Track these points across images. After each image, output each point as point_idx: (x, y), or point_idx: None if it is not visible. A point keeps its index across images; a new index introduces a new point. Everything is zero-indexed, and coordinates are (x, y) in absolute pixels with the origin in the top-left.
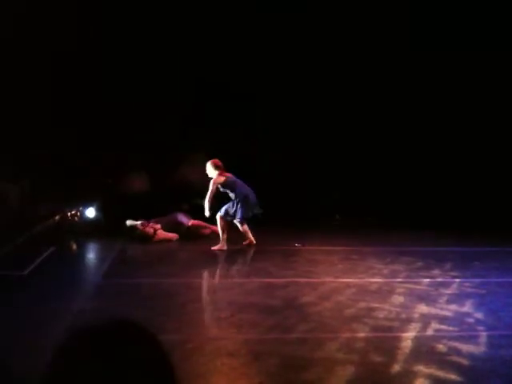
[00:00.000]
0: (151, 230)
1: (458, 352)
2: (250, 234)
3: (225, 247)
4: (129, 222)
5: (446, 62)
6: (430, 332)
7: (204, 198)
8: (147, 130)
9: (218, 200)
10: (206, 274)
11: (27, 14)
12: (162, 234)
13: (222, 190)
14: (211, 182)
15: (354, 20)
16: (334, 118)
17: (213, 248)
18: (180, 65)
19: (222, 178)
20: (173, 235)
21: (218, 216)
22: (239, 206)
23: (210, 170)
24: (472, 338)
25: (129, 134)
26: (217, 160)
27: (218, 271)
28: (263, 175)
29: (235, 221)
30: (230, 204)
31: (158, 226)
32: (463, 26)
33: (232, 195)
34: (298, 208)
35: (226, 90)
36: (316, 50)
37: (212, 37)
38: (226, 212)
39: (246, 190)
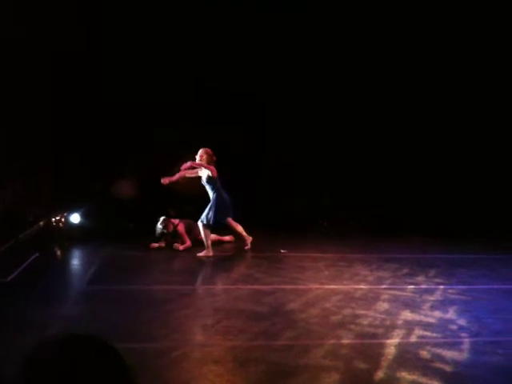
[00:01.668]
0: (171, 227)
1: (442, 358)
2: (210, 242)
3: (211, 253)
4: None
5: (445, 63)
6: (414, 339)
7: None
8: (143, 132)
9: (201, 203)
10: (192, 281)
11: (26, 13)
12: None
13: (204, 181)
14: (205, 164)
15: (354, 20)
16: (325, 121)
17: (198, 254)
18: (180, 65)
19: (216, 174)
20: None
21: (199, 223)
22: (213, 209)
23: (204, 158)
24: (456, 345)
25: (126, 135)
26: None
27: (204, 278)
28: (251, 179)
29: (199, 222)
30: (208, 208)
31: (179, 246)
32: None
33: (210, 194)
34: (285, 214)
35: (226, 90)
36: (316, 51)
37: (212, 37)
38: (207, 218)
39: (225, 195)
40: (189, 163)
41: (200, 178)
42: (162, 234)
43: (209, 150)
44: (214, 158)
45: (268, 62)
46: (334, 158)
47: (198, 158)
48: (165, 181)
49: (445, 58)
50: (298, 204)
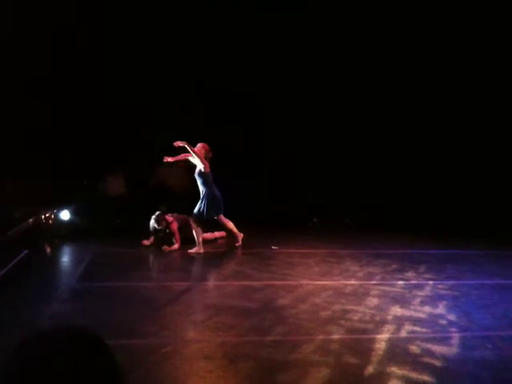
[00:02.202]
0: (164, 224)
1: (431, 353)
2: (201, 239)
3: (201, 250)
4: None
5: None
6: (403, 334)
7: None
8: (143, 131)
9: (192, 200)
10: (182, 278)
11: (26, 13)
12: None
13: (196, 174)
14: (200, 156)
15: (354, 20)
16: (323, 121)
17: (189, 251)
18: (180, 65)
19: (208, 169)
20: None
21: (191, 219)
22: (204, 205)
23: (201, 152)
24: (445, 340)
25: (124, 135)
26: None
27: (195, 274)
28: (242, 177)
29: (190, 219)
30: (199, 204)
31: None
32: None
33: (201, 188)
34: (276, 210)
35: (226, 90)
36: (315, 51)
37: (212, 37)
38: (198, 214)
39: (217, 192)
40: (184, 142)
41: (194, 171)
42: (155, 229)
43: (206, 145)
44: (210, 155)
45: (268, 62)
46: (328, 157)
47: (197, 149)
48: (166, 159)
49: (445, 57)
50: (293, 202)
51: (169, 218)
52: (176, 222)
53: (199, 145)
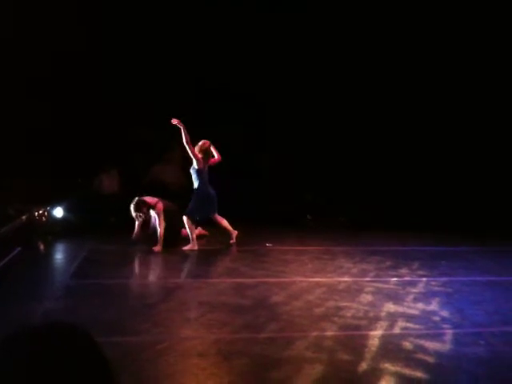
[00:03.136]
0: (145, 209)
1: (424, 350)
2: (195, 235)
3: (195, 247)
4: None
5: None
6: (396, 330)
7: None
8: (143, 131)
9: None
10: (176, 275)
11: (26, 13)
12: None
13: (191, 169)
14: (194, 150)
15: (355, 20)
16: (315, 120)
17: (183, 248)
18: (180, 65)
19: (202, 166)
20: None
21: (184, 216)
22: (197, 203)
23: (199, 148)
24: (438, 336)
25: (125, 134)
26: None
27: (188, 271)
28: (242, 176)
29: (184, 216)
30: (192, 202)
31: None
32: None
33: (195, 184)
34: (271, 208)
35: (226, 90)
36: (315, 51)
37: (212, 37)
38: (192, 212)
39: (212, 191)
40: (182, 124)
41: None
42: (138, 216)
43: (206, 142)
44: (207, 146)
45: (268, 62)
46: (327, 157)
47: (197, 147)
48: (174, 121)
49: (445, 57)
50: (293, 202)
51: (151, 200)
52: (161, 202)
53: (203, 143)
